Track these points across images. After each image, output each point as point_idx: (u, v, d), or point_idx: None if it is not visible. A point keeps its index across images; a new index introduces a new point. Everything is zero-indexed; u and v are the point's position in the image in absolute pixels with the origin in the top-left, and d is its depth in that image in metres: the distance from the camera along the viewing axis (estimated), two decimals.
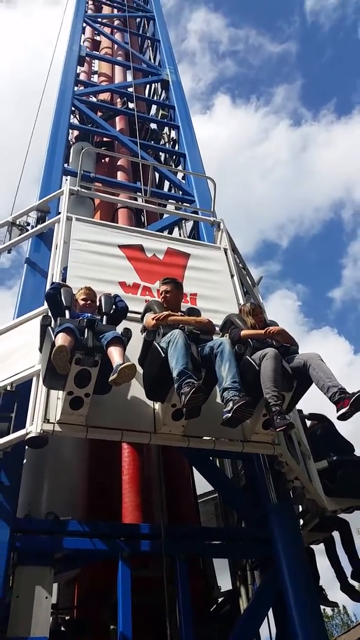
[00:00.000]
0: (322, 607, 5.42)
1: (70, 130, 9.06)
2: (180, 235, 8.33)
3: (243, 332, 4.17)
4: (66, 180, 6.36)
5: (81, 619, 4.74)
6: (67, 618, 4.91)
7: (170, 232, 8.28)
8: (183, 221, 8.31)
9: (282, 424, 3.49)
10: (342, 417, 3.63)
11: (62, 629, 4.93)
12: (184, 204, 7.99)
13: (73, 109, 9.12)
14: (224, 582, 5.76)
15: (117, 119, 10.56)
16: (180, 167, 9.38)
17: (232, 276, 5.74)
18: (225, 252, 6.05)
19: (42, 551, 3.82)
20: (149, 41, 14.48)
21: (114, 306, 4.14)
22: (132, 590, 3.76)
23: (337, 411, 3.63)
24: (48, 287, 4.22)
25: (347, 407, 3.54)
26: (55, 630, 4.76)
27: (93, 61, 12.90)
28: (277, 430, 3.53)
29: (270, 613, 4.40)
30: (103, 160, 9.84)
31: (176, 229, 8.94)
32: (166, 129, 11.14)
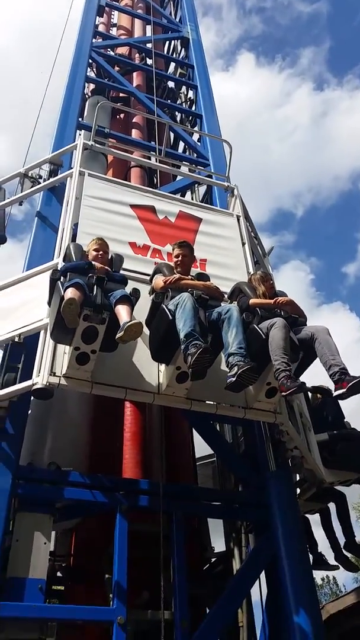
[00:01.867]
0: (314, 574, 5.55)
1: (86, 84, 8.79)
2: (192, 199, 8.19)
3: (252, 301, 4.15)
4: (80, 134, 6.20)
5: (78, 567, 4.88)
6: (63, 565, 5.07)
7: (183, 196, 8.13)
8: (196, 185, 8.15)
9: (293, 385, 3.49)
10: (339, 398, 3.67)
11: (59, 574, 5.10)
12: (198, 167, 7.82)
13: (90, 61, 8.85)
14: (218, 543, 5.90)
15: (135, 74, 10.26)
16: (196, 129, 9.15)
17: (243, 244, 5.66)
18: (238, 220, 5.94)
19: (43, 499, 3.91)
20: None
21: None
22: (129, 544, 3.85)
23: (335, 391, 3.67)
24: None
25: (345, 390, 3.58)
26: (52, 575, 4.91)
27: (112, 12, 12.44)
28: (289, 391, 3.50)
29: (262, 575, 4.53)
30: (118, 117, 9.59)
31: (188, 193, 8.80)
32: (184, 89, 10.81)
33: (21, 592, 3.49)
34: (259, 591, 4.76)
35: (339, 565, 5.71)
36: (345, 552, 5.59)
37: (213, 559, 5.80)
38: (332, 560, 5.69)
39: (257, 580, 4.51)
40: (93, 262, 3.93)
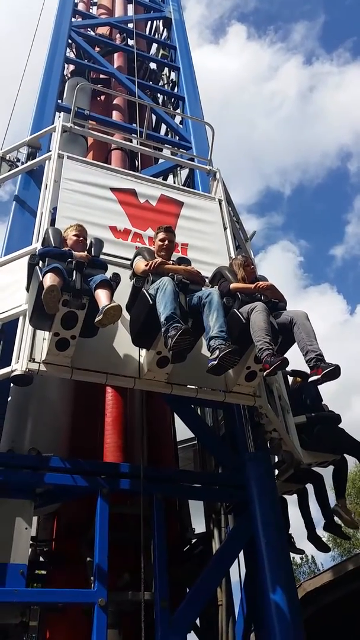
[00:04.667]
0: (291, 554, 5.69)
1: (66, 65, 8.61)
2: (174, 183, 8.14)
3: (232, 285, 4.19)
4: (59, 116, 6.09)
5: (59, 551, 4.91)
6: (45, 550, 5.10)
7: (165, 179, 8.07)
8: (178, 168, 8.09)
9: (276, 360, 3.52)
10: (313, 383, 3.73)
11: (41, 559, 5.13)
12: (180, 150, 7.75)
13: (70, 41, 8.66)
14: (198, 524, 5.99)
15: (116, 55, 10.06)
16: (178, 111, 9.05)
17: (225, 229, 5.66)
18: (220, 204, 5.93)
19: (24, 485, 3.91)
20: None
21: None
22: (110, 527, 3.88)
23: (310, 376, 3.74)
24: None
25: (319, 376, 3.65)
26: (34, 560, 4.94)
27: None
28: (273, 366, 3.52)
29: (241, 555, 4.62)
30: (98, 98, 9.43)
31: (171, 176, 8.73)
32: (166, 70, 10.67)
33: (2, 577, 3.50)
34: (237, 571, 4.87)
35: (304, 550, 5.87)
36: (319, 533, 5.76)
37: (193, 540, 5.89)
38: (302, 542, 5.85)
39: (236, 560, 4.61)
40: (73, 252, 3.88)
